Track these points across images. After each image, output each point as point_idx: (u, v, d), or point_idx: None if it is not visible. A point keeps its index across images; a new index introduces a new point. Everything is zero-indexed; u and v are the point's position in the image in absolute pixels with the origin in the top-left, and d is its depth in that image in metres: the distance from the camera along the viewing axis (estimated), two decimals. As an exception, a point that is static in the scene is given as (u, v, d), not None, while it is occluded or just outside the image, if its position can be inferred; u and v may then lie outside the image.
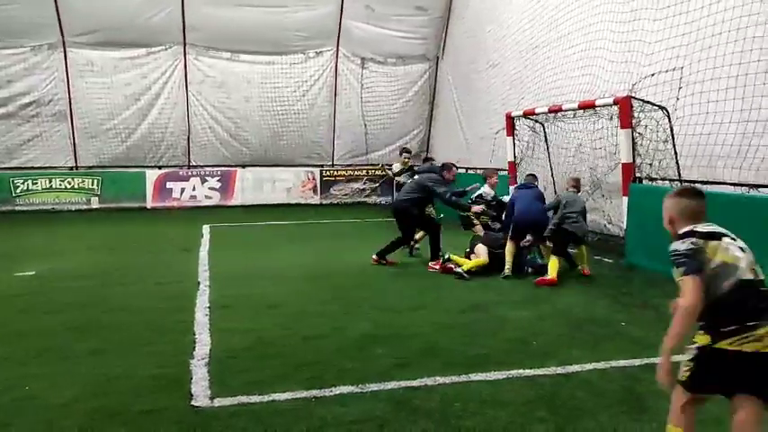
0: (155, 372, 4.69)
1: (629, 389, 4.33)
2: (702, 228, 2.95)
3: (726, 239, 2.92)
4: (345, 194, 19.67)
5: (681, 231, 2.96)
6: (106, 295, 7.26)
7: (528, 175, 9.47)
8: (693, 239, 2.87)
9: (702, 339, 2.83)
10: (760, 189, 7.33)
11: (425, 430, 3.71)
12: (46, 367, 4.83)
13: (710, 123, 8.33)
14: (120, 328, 5.88)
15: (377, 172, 19.61)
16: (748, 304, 2.78)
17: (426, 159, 10.09)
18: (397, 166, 10.72)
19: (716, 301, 2.80)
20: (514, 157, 12.33)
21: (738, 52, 8.00)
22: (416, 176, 9.12)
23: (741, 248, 2.95)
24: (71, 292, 7.39)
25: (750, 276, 2.85)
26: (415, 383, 4.43)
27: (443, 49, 19.19)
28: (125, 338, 5.55)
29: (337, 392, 4.27)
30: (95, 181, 17.60)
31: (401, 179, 10.58)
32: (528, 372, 4.68)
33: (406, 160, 10.64)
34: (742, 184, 7.66)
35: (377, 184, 19.90)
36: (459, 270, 8.18)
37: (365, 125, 19.61)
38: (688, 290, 2.79)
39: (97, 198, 17.58)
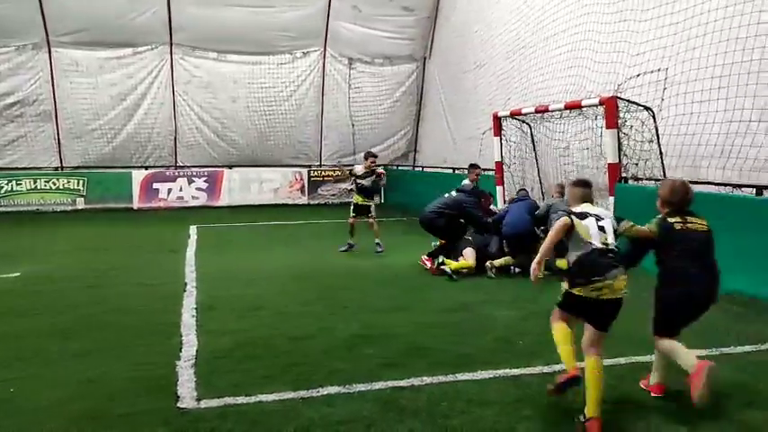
0: (141, 373, 4.66)
1: (614, 387, 4.35)
2: (578, 209, 4.33)
3: (589, 219, 4.20)
4: (333, 195, 19.67)
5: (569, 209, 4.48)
6: (91, 297, 7.21)
7: (520, 190, 9.61)
8: (567, 215, 4.26)
9: (564, 285, 4.14)
10: (743, 189, 7.40)
11: (412, 430, 3.72)
12: (28, 370, 4.79)
13: (695, 124, 8.41)
14: (106, 330, 5.85)
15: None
16: (595, 266, 3.99)
17: (472, 166, 10.23)
18: (359, 169, 10.73)
19: (575, 261, 4.08)
20: (501, 157, 12.36)
21: (722, 53, 8.08)
22: (455, 193, 9.21)
23: (601, 227, 4.18)
24: (56, 294, 7.33)
25: (601, 246, 4.07)
26: (402, 383, 4.43)
27: (430, 50, 19.23)
28: (111, 340, 5.52)
29: (325, 393, 4.26)
30: (81, 182, 17.49)
31: (364, 182, 10.59)
32: (514, 371, 4.70)
33: (371, 164, 10.64)
34: (726, 184, 7.73)
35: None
36: (447, 270, 8.22)
37: (353, 125, 19.63)
38: (558, 223, 4.23)
39: (83, 199, 17.48)
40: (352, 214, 10.69)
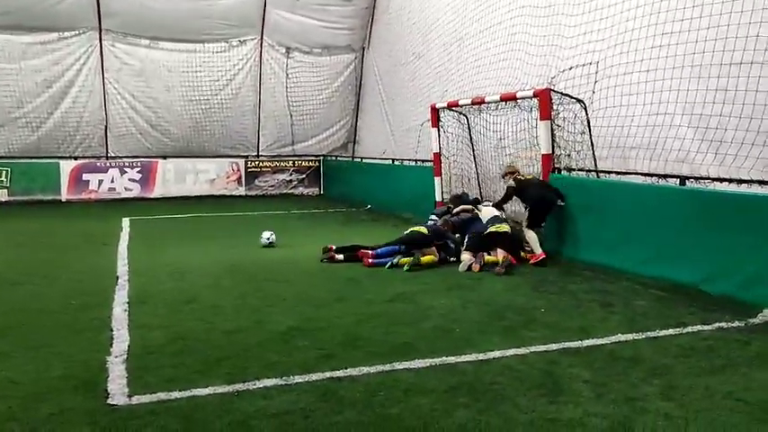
0: (68, 372, 4.48)
1: (547, 372, 4.47)
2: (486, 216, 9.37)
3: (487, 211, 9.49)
4: (271, 186, 19.46)
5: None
6: (14, 294, 6.90)
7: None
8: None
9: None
10: (668, 179, 7.71)
11: (350, 420, 3.71)
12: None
13: (623, 116, 8.70)
14: (27, 329, 5.58)
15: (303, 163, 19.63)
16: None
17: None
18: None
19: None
20: (439, 148, 12.47)
21: (649, 48, 8.38)
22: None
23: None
24: (-25, 291, 6.98)
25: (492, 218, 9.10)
26: (339, 374, 4.42)
27: (369, 40, 19.21)
28: (32, 339, 5.27)
29: (261, 386, 4.21)
30: (4, 172, 16.71)
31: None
32: (451, 359, 4.75)
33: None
34: (652, 174, 8.03)
35: (304, 176, 19.77)
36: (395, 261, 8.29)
37: (291, 115, 19.44)
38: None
39: (6, 191, 16.72)
40: None
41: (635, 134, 8.52)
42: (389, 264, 8.25)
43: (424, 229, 8.88)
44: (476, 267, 8.04)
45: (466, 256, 8.38)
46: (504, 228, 8.70)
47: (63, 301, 6.52)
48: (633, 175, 8.38)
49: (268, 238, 10.00)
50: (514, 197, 9.14)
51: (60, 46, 16.91)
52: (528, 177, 9.08)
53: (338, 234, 11.02)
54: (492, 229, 8.64)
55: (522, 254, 8.67)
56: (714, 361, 4.71)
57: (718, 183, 7.03)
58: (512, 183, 9.01)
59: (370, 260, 8.36)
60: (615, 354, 4.89)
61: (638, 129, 8.46)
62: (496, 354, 4.89)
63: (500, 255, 8.18)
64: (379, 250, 8.56)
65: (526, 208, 8.89)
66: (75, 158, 17.52)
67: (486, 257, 8.27)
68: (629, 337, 5.32)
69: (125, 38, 17.39)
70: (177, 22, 17.40)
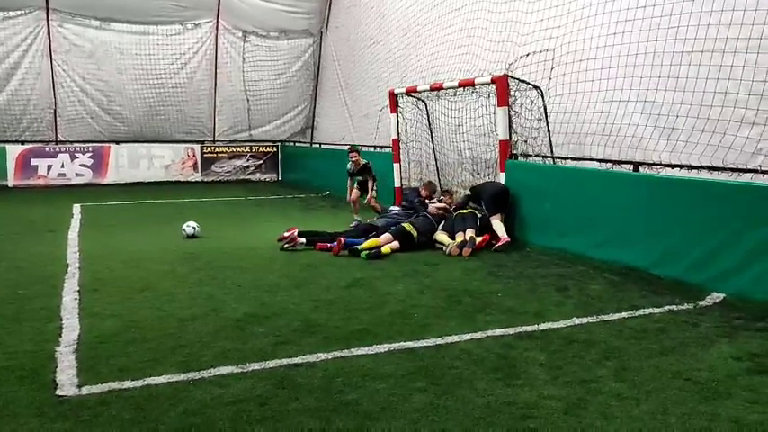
0: (13, 362, 4.32)
1: (503, 356, 4.51)
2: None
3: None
4: (228, 172, 19.17)
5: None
6: (-44, 282, 6.63)
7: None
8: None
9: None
10: (622, 165, 7.84)
11: (307, 406, 3.68)
12: None
13: (579, 103, 8.80)
14: (-30, 318, 5.38)
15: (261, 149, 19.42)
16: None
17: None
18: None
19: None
20: (398, 134, 12.45)
21: (604, 36, 8.48)
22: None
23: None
24: None
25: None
26: (296, 360, 4.39)
27: (327, 25, 19.00)
28: (-24, 328, 5.09)
29: (216, 373, 4.15)
30: (-54, 157, 16.05)
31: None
32: (408, 344, 4.76)
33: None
34: (606, 161, 8.17)
35: (261, 162, 19.53)
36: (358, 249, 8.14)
37: (248, 100, 19.15)
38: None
39: (-51, 176, 16.07)
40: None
41: (590, 121, 8.62)
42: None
43: (409, 227, 8.75)
44: (466, 252, 8.13)
45: (444, 238, 8.57)
46: (468, 210, 9.05)
47: (8, 291, 6.29)
48: (588, 162, 8.50)
49: (187, 229, 9.35)
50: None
51: (5, 26, 16.28)
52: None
53: (297, 221, 10.90)
54: (459, 211, 9.10)
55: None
56: (665, 342, 4.82)
57: (670, 169, 7.18)
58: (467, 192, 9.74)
59: (334, 247, 8.24)
60: (570, 337, 4.96)
61: (594, 115, 8.57)
62: (454, 338, 4.91)
63: (467, 235, 8.45)
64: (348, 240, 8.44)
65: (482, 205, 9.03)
66: (23, 143, 16.95)
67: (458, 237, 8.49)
68: (584, 320, 5.42)
69: (73, 18, 16.82)
70: (129, 2, 16.93)
